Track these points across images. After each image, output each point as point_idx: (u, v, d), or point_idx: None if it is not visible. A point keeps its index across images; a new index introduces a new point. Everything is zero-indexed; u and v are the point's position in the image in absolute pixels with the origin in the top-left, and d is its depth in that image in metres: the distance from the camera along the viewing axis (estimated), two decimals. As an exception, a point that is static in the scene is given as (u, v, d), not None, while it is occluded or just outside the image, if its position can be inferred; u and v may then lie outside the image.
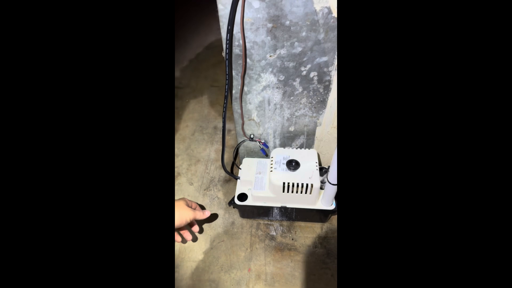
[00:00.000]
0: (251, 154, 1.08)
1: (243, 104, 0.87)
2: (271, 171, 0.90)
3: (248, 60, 0.75)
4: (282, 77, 0.79)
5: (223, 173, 1.23)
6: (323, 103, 0.86)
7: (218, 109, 1.56)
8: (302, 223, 1.05)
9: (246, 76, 0.79)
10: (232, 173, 1.09)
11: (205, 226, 1.06)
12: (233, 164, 1.23)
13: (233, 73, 0.78)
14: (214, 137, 1.40)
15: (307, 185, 0.87)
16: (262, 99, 0.86)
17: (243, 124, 0.94)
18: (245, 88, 0.83)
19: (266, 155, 1.07)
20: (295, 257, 0.97)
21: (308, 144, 1.01)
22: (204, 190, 1.18)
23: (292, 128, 0.96)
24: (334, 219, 1.05)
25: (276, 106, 0.88)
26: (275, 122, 0.93)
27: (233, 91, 0.84)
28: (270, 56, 0.74)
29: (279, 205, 0.95)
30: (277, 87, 0.82)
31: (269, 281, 0.92)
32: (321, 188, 0.92)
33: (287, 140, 1.01)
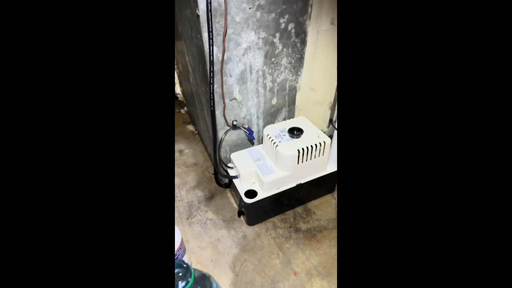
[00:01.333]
0: (235, 148, 0.92)
1: (224, 78, 0.74)
2: (277, 145, 0.78)
3: (228, 16, 0.65)
4: (262, 34, 0.72)
5: (200, 192, 0.99)
6: (300, 61, 0.83)
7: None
8: (315, 202, 0.94)
9: (226, 39, 0.68)
10: (230, 175, 0.88)
11: (214, 255, 0.79)
12: (215, 169, 1.01)
13: (211, 36, 0.66)
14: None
15: (320, 144, 0.79)
16: (244, 68, 0.75)
17: (224, 107, 0.79)
18: (225, 56, 0.71)
19: (252, 143, 0.93)
20: (331, 235, 0.84)
21: (290, 116, 0.95)
22: (187, 219, 0.91)
23: (274, 101, 0.88)
24: (338, 186, 1.00)
25: (259, 74, 0.79)
26: (258, 97, 0.84)
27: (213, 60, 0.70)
28: (249, 8, 0.67)
29: (294, 184, 0.83)
30: (258, 48, 0.74)
31: (323, 273, 0.75)
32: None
33: (270, 118, 0.92)
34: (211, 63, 0.66)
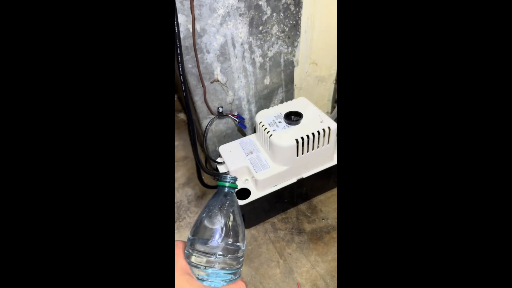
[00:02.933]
0: (224, 140, 0.79)
1: (199, 55, 0.60)
2: (271, 135, 0.64)
3: (193, -29, 0.50)
4: (244, -5, 0.57)
5: (190, 190, 0.88)
6: (296, 28, 0.67)
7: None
8: (322, 196, 0.81)
9: (195, 4, 0.53)
10: (216, 171, 0.76)
11: (203, 266, 0.69)
12: (202, 162, 0.89)
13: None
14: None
15: (324, 130, 0.65)
16: (224, 40, 0.60)
17: (205, 92, 0.66)
18: (197, 26, 0.56)
19: (244, 133, 0.80)
20: (340, 237, 0.71)
21: (288, 97, 0.80)
22: (175, 222, 0.80)
23: (267, 80, 0.73)
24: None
25: (244, 48, 0.64)
26: (247, 76, 0.69)
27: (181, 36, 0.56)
28: (222, -41, 0.51)
29: (294, 179, 0.70)
30: (240, 14, 0.59)
31: (331, 284, 0.63)
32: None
33: (264, 102, 0.77)
34: (177, 36, 0.51)
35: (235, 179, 0.44)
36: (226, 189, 0.42)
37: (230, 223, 0.40)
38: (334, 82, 0.83)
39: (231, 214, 0.40)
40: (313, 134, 0.64)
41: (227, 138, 0.78)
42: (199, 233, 0.38)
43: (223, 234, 0.38)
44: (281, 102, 0.80)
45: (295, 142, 0.63)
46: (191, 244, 0.37)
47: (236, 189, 0.44)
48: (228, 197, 0.42)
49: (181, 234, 0.76)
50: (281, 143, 0.63)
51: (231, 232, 0.39)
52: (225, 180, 0.42)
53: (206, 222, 0.39)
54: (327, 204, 0.80)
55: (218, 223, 0.39)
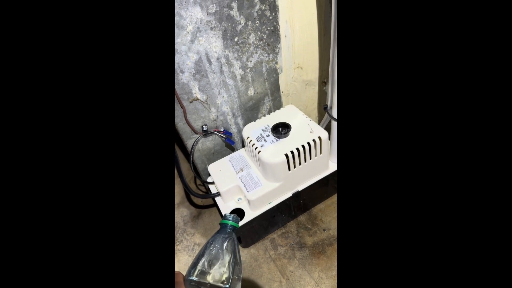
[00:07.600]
0: (213, 157, 0.75)
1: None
2: (259, 151, 0.61)
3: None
4: (213, 7, 0.52)
5: (185, 210, 0.85)
6: (275, 33, 0.63)
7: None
8: (321, 205, 0.78)
9: (159, 23, 0.49)
10: (208, 193, 0.73)
11: None
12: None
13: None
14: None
15: (314, 141, 0.61)
16: (198, 57, 0.56)
17: (185, 112, 0.62)
18: (167, 47, 0.52)
19: (232, 149, 0.76)
20: (344, 249, 0.68)
21: (276, 106, 0.76)
22: (172, 246, 0.77)
23: (251, 91, 0.69)
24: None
25: (221, 62, 0.60)
26: (228, 90, 0.65)
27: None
28: (183, -28, 0.47)
29: (289, 194, 0.66)
30: (211, 28, 0.54)
31: (338, 302, 0.60)
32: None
33: (251, 114, 0.73)
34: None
35: (238, 219, 0.44)
36: (228, 229, 0.43)
37: (229, 272, 0.39)
38: (323, 85, 0.79)
39: (232, 258, 0.40)
40: (303, 146, 0.60)
41: (216, 155, 0.75)
42: (199, 276, 0.38)
43: (224, 282, 0.38)
44: (269, 111, 0.76)
45: (285, 158, 0.59)
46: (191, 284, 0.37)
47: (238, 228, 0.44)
48: (230, 238, 0.42)
49: (179, 259, 0.73)
50: (271, 159, 0.59)
51: (231, 279, 0.39)
52: (228, 218, 0.42)
53: (207, 267, 0.39)
54: (328, 212, 0.76)
55: (219, 268, 0.39)
